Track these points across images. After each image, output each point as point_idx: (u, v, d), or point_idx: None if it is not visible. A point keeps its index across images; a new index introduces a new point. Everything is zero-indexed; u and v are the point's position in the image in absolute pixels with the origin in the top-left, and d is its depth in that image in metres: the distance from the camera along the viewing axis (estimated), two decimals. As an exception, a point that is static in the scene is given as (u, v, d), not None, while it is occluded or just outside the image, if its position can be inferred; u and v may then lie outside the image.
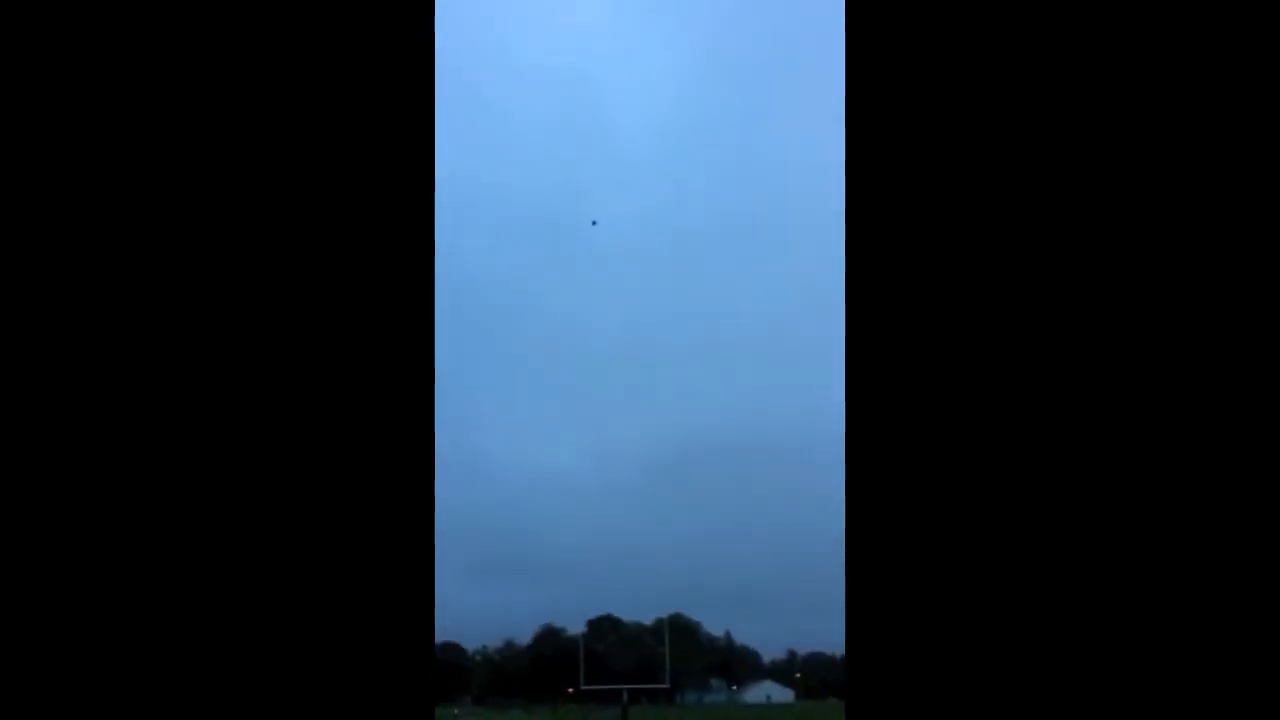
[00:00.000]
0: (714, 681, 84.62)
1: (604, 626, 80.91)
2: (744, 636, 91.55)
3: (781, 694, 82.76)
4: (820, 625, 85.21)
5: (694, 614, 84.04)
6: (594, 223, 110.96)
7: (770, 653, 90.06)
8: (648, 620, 79.08)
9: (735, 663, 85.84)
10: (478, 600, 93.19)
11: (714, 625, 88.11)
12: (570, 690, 69.79)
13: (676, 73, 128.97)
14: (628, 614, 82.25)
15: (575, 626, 78.75)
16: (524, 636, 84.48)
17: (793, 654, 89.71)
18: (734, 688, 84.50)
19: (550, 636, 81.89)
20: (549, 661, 77.45)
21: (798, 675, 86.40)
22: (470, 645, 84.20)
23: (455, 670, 79.79)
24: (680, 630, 76.54)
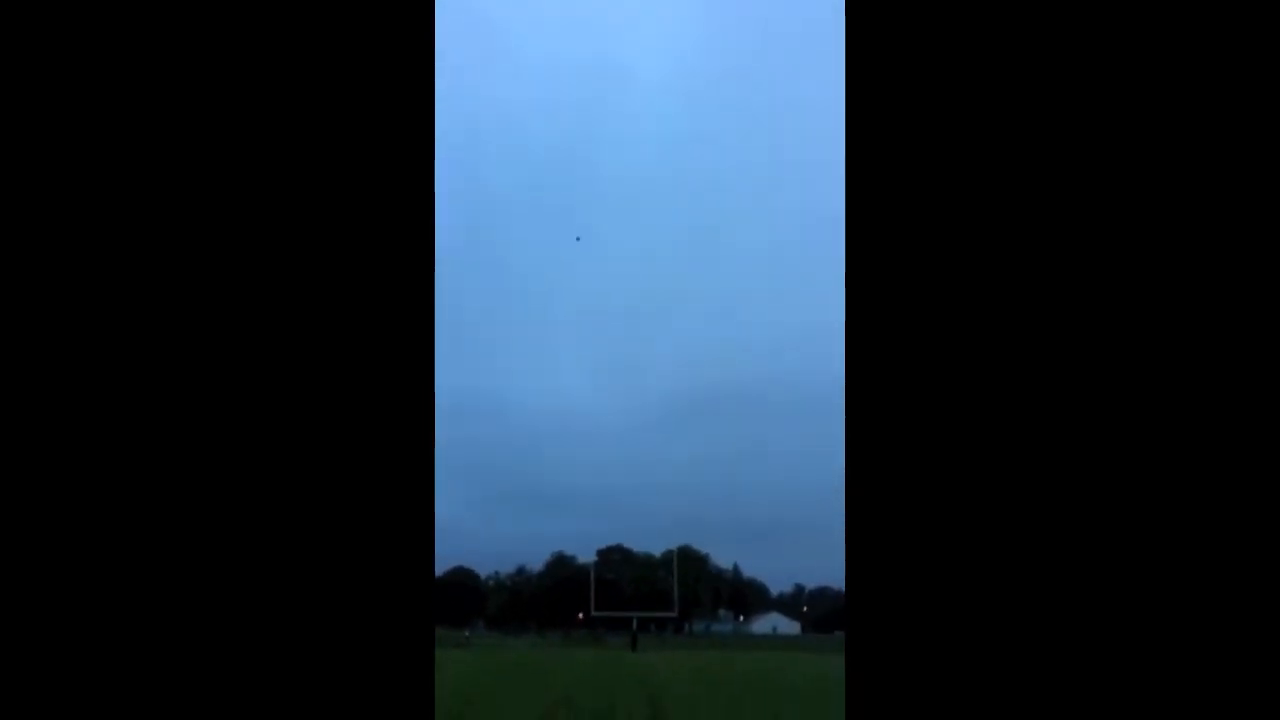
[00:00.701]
0: (722, 612, 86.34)
1: (614, 556, 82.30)
2: (752, 569, 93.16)
3: (788, 626, 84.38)
4: (826, 561, 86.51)
5: (703, 546, 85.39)
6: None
7: (778, 586, 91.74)
8: (657, 551, 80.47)
9: (743, 594, 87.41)
10: (493, 529, 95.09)
11: (722, 558, 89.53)
12: (581, 616, 71.40)
13: (690, 21, 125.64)
14: (638, 545, 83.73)
15: (586, 555, 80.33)
16: (536, 564, 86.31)
17: (800, 587, 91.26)
18: (741, 619, 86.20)
19: (562, 564, 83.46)
20: (561, 588, 79.09)
21: (804, 609, 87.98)
22: (484, 571, 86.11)
23: (469, 594, 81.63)
24: (689, 561, 77.79)
